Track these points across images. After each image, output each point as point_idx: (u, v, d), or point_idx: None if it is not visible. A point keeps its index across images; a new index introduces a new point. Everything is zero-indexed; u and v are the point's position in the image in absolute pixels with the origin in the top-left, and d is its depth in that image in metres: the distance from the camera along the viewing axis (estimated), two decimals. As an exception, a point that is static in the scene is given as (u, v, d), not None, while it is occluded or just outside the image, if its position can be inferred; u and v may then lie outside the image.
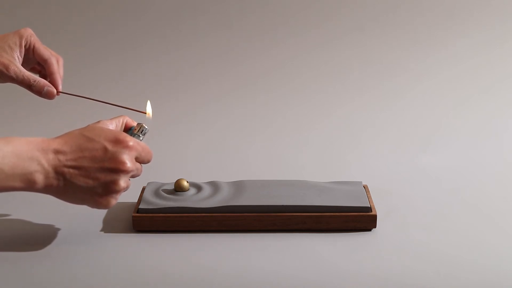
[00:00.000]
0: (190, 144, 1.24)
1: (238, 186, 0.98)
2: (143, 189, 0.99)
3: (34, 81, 0.94)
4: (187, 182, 0.97)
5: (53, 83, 0.96)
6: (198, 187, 0.98)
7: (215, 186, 0.98)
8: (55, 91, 0.95)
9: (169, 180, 1.00)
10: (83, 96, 0.96)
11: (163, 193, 0.96)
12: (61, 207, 0.99)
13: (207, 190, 0.97)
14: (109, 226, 0.94)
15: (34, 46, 0.95)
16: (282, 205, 0.92)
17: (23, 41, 0.95)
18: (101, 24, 1.38)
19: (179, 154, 1.20)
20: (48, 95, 0.95)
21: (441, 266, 0.84)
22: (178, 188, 0.96)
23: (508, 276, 0.82)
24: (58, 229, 0.93)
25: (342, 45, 1.39)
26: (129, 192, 1.02)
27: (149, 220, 0.92)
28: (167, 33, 1.40)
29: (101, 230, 0.93)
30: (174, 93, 1.35)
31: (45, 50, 0.96)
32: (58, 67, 0.97)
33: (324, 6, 1.40)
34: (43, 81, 0.94)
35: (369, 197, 0.96)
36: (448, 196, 1.03)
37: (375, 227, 0.92)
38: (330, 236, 0.91)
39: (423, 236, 0.91)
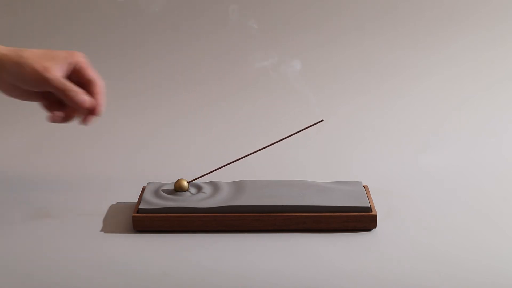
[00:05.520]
0: (190, 144, 1.24)
1: (238, 186, 0.98)
2: (143, 189, 0.99)
3: (74, 89, 0.89)
4: (187, 182, 0.97)
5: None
6: (198, 187, 0.98)
7: (215, 186, 0.98)
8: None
9: (169, 180, 1.00)
10: None
11: (163, 193, 0.96)
12: (62, 207, 1.00)
13: (207, 190, 0.97)
14: (109, 226, 0.94)
15: (81, 67, 0.91)
16: (282, 205, 0.92)
17: (73, 61, 0.91)
18: (100, 24, 1.38)
19: (179, 154, 1.20)
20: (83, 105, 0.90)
21: (441, 266, 0.84)
22: (178, 188, 0.96)
23: (508, 276, 0.82)
24: (58, 229, 0.93)
25: (342, 45, 1.39)
26: (129, 192, 1.02)
27: (149, 220, 0.92)
28: (167, 33, 1.40)
29: (101, 230, 0.93)
30: (174, 93, 1.35)
31: (92, 72, 0.92)
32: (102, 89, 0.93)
33: (324, 6, 1.40)
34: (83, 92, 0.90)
35: (369, 197, 0.96)
36: (448, 196, 1.03)
37: (375, 227, 0.92)
38: (330, 236, 0.91)
39: (423, 236, 0.91)
